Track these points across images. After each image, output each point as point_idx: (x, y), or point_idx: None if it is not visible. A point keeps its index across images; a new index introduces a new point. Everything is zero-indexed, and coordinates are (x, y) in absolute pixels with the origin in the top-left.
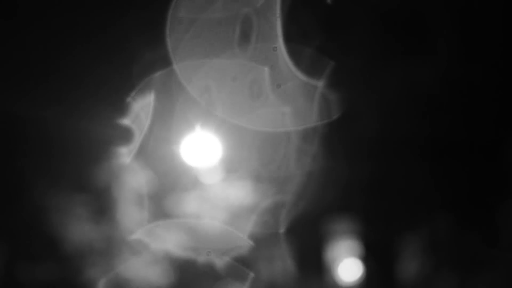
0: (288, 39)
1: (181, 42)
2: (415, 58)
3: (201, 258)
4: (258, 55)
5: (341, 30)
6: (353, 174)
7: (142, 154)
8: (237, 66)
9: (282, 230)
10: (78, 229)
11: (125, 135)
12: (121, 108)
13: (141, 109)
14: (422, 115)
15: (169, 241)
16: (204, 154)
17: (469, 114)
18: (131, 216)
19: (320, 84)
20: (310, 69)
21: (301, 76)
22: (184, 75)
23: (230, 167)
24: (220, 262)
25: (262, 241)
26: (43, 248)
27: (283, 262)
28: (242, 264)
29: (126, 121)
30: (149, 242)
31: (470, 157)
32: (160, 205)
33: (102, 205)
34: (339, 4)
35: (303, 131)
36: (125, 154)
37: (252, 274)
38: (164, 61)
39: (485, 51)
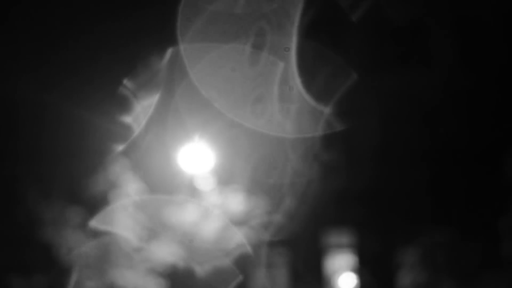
0: (299, 45)
1: (190, 34)
2: (414, 69)
3: (193, 264)
4: (269, 54)
5: (344, 39)
6: (351, 186)
7: (138, 158)
8: (243, 63)
9: (277, 240)
10: (71, 238)
11: (123, 134)
12: (122, 106)
13: (141, 110)
14: (421, 127)
15: (161, 248)
16: (201, 162)
17: (469, 124)
18: (124, 224)
19: (327, 109)
20: (319, 92)
21: (308, 98)
22: (189, 67)
23: (228, 175)
24: (210, 267)
25: (257, 250)
26: (34, 257)
27: (277, 272)
28: (234, 269)
29: (126, 120)
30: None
31: (470, 168)
32: (154, 211)
33: (94, 212)
34: (348, 14)
35: (302, 141)
36: (120, 155)
37: (241, 277)
38: (168, 60)
39: (484, 61)
